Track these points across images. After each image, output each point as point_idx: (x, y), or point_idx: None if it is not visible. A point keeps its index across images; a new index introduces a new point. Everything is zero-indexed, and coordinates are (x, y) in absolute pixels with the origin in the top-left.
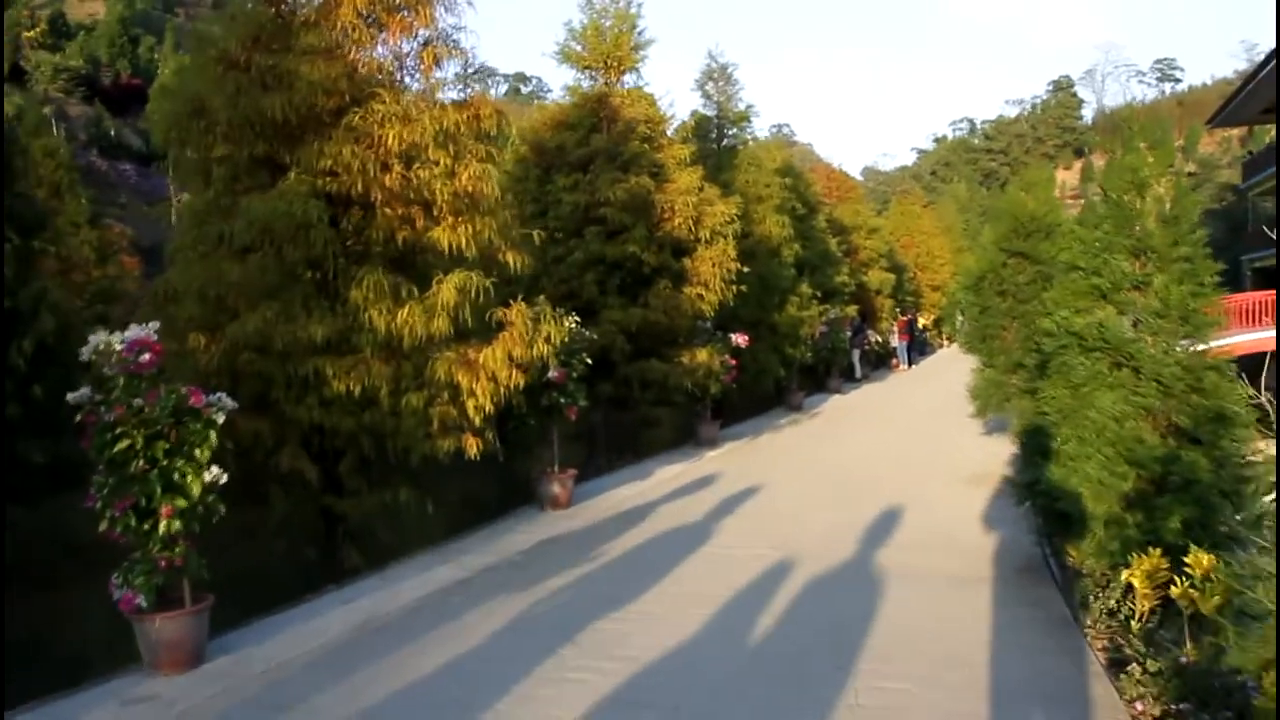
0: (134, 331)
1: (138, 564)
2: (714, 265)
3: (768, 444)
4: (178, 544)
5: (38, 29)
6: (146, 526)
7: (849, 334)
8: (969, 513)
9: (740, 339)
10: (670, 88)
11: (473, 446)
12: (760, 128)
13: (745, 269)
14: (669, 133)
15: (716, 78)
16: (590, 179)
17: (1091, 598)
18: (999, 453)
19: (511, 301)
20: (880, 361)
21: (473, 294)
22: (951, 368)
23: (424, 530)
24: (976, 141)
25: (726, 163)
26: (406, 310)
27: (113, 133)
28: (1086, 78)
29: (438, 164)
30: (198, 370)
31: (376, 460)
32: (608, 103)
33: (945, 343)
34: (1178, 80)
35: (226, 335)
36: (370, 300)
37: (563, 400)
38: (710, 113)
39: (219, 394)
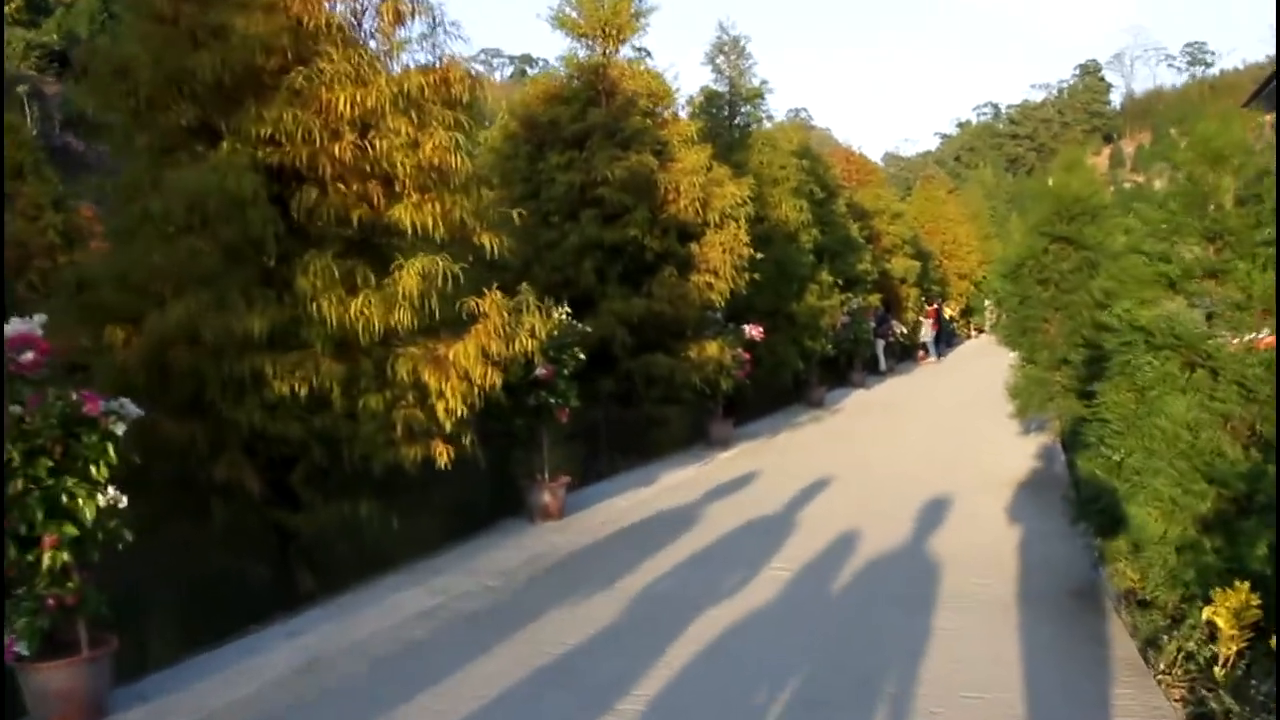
0: (15, 325)
1: (21, 603)
2: (724, 251)
3: (785, 444)
4: (70, 578)
5: (13, 4)
6: (30, 558)
7: (872, 324)
8: (1011, 523)
9: (754, 331)
10: (675, 60)
11: (443, 454)
12: (776, 109)
13: (759, 255)
14: (675, 108)
15: (728, 51)
16: (586, 157)
17: (1164, 636)
18: (1038, 453)
19: (486, 290)
20: (905, 353)
21: (440, 281)
22: (981, 360)
23: (395, 547)
24: (1001, 126)
25: (739, 143)
26: (361, 300)
27: (89, 112)
28: (1114, 62)
29: (398, 133)
30: (116, 368)
31: (337, 469)
32: (606, 74)
33: (973, 333)
34: (1208, 64)
35: (148, 328)
36: (320, 289)
37: (552, 400)
38: (721, 88)
39: (120, 400)
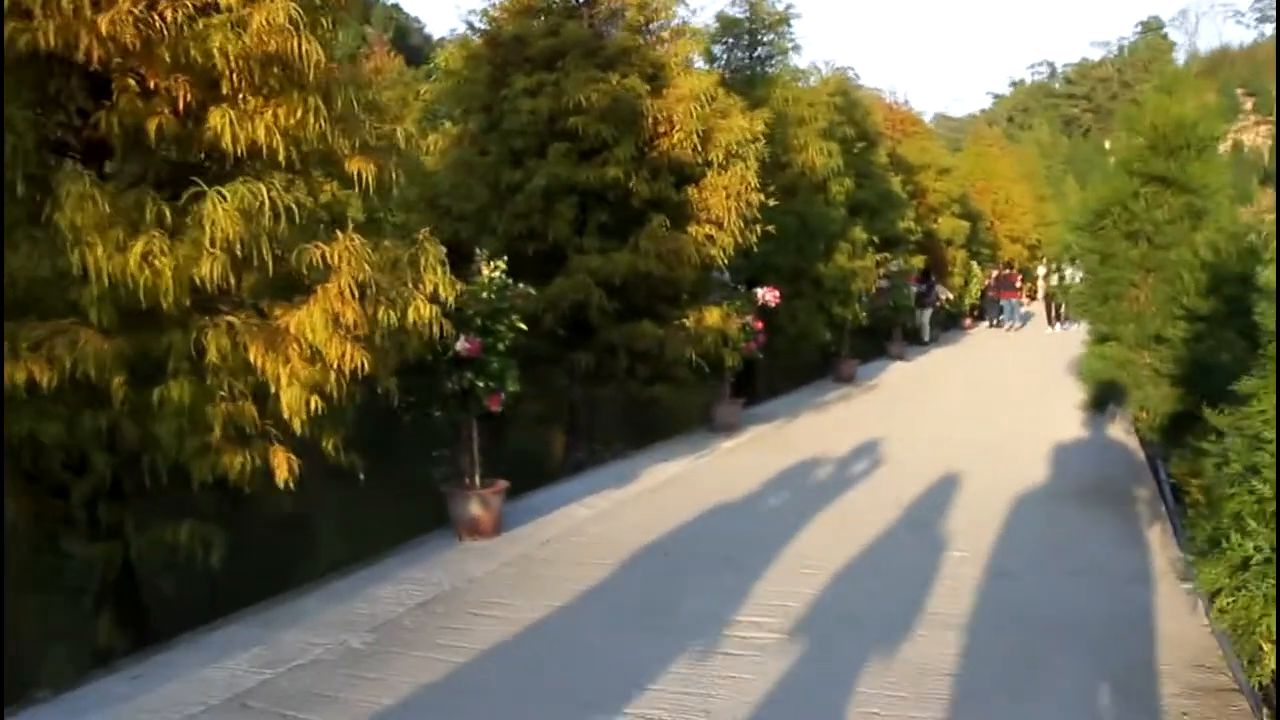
0: None
1: None
2: (728, 197)
3: (804, 430)
4: None
5: None
6: None
7: (916, 290)
8: (1098, 565)
9: (769, 295)
10: None
11: (283, 466)
12: (817, 58)
13: (773, 203)
14: (676, 22)
15: None
16: (557, 79)
17: None
18: (1116, 449)
19: (341, 233)
20: (951, 321)
21: (270, 222)
22: (1035, 327)
23: (260, 582)
24: (1057, 86)
25: (759, 77)
26: (142, 244)
27: None
28: (1179, 18)
29: (214, 3)
30: None
31: (174, 484)
32: None
33: (1027, 300)
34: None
35: None
36: (86, 228)
37: (480, 384)
38: (740, 13)
39: None
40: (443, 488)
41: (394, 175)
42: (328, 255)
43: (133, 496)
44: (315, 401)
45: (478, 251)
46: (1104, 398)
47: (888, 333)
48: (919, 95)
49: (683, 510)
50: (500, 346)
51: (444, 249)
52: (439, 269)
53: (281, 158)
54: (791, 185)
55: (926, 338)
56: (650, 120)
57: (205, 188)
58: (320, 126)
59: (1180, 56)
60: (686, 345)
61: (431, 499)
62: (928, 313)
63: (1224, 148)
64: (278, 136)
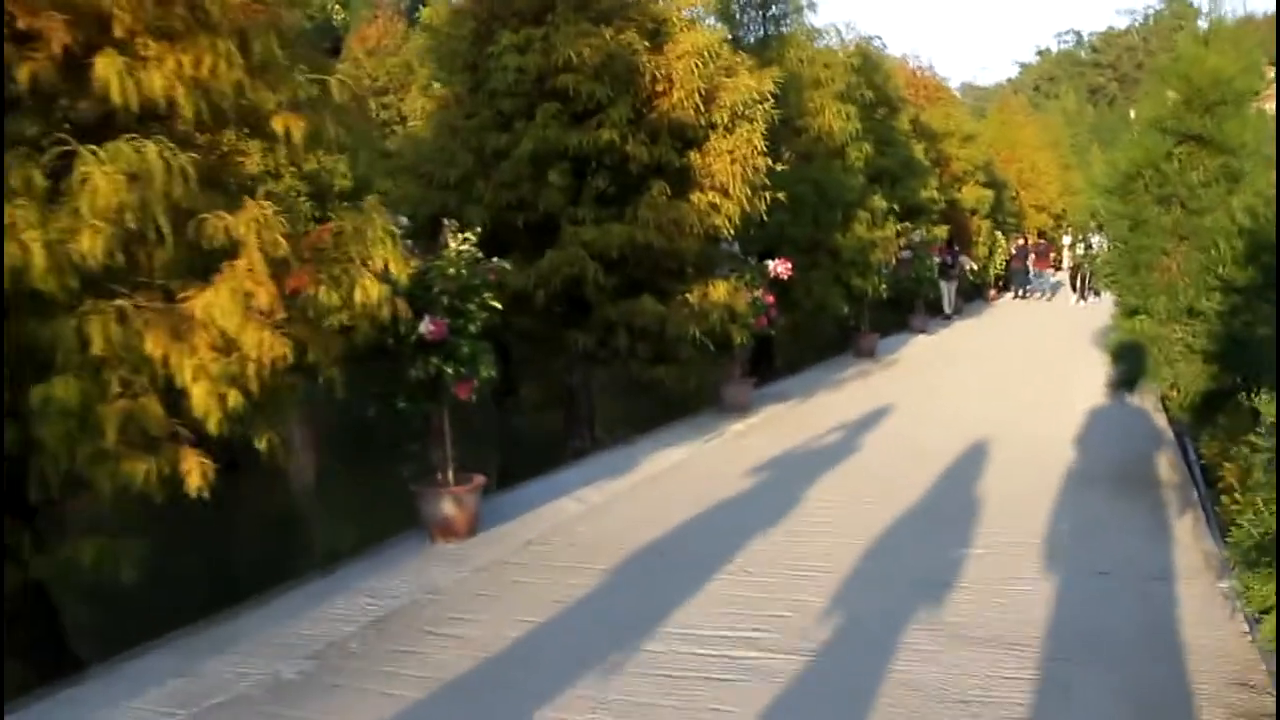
0: None
1: None
2: (733, 161)
3: (818, 410)
4: None
5: None
6: None
7: (941, 261)
8: (1126, 561)
9: (781, 267)
10: None
11: (195, 473)
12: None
13: (781, 168)
14: None
15: None
16: (547, 34)
17: None
18: (1143, 426)
19: (251, 199)
20: (975, 293)
21: (161, 188)
22: (1064, 297)
23: (210, 597)
24: (1083, 55)
25: (773, 38)
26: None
27: None
28: None
29: None
30: None
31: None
32: None
33: (1052, 271)
34: None
35: None
36: None
37: (449, 370)
38: None
39: None
40: (412, 486)
41: (333, 133)
42: (231, 227)
43: (43, 510)
44: (234, 397)
45: (446, 222)
46: (1132, 375)
47: (910, 305)
48: (946, 65)
49: (682, 504)
50: (471, 328)
51: (404, 220)
52: (388, 242)
53: (189, 113)
54: (807, 150)
55: (949, 310)
56: (648, 79)
57: (79, 148)
58: (236, 77)
59: (1205, 25)
60: (690, 322)
61: (407, 497)
62: (952, 285)
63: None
64: (182, 88)
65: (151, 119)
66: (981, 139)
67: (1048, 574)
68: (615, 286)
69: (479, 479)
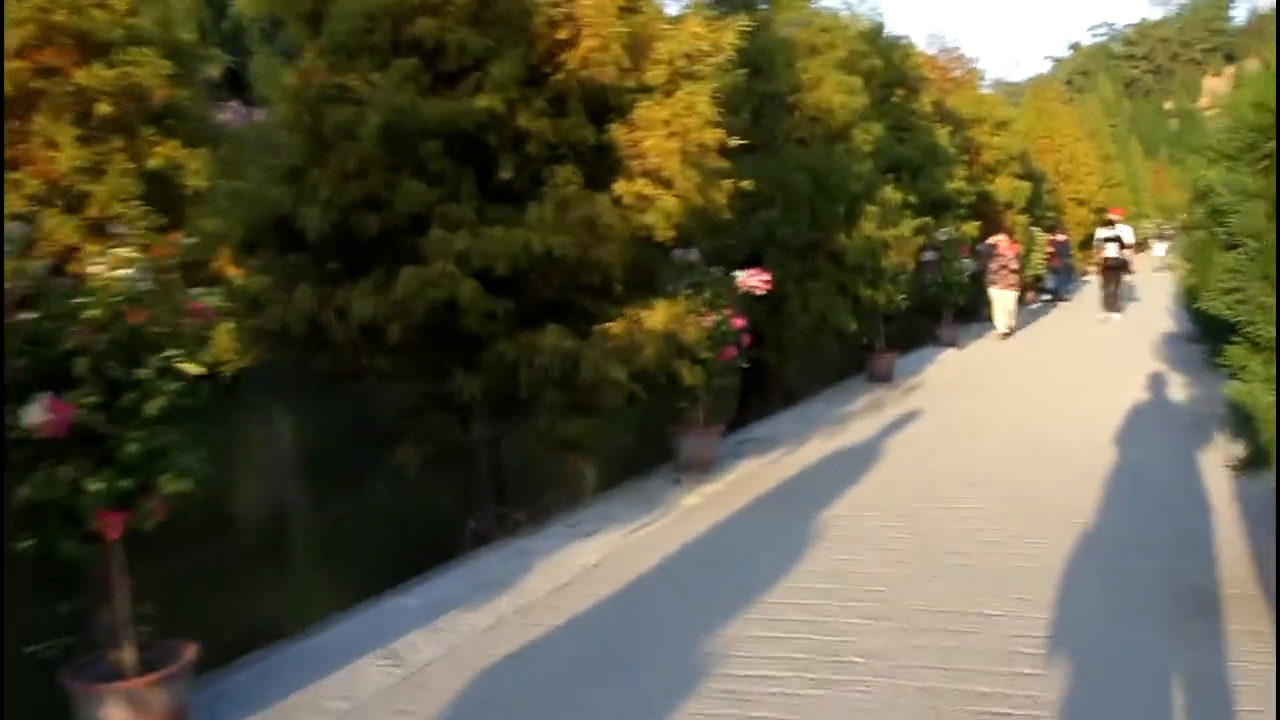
0: None
1: None
2: (671, 135)
3: (807, 466)
4: None
5: None
6: None
7: (971, 265)
8: None
9: (754, 279)
10: None
11: None
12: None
13: (746, 141)
14: None
15: None
16: None
17: None
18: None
19: None
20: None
21: None
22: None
23: None
24: (1117, 48)
25: None
26: None
27: None
28: None
29: None
30: None
31: None
32: None
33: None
34: None
35: None
36: None
37: (96, 486)
38: None
39: None
40: (68, 680)
41: None
42: None
43: None
44: None
45: (116, 230)
46: (1260, 455)
47: (937, 314)
48: (977, 61)
49: (558, 667)
50: (150, 409)
51: None
52: None
53: None
54: (800, 134)
55: (1004, 327)
56: (546, 23)
57: None
58: None
59: (1241, 14)
60: (612, 360)
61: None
62: (1009, 294)
63: None
64: None
65: None
66: (1016, 126)
67: None
68: (511, 312)
69: (190, 650)
